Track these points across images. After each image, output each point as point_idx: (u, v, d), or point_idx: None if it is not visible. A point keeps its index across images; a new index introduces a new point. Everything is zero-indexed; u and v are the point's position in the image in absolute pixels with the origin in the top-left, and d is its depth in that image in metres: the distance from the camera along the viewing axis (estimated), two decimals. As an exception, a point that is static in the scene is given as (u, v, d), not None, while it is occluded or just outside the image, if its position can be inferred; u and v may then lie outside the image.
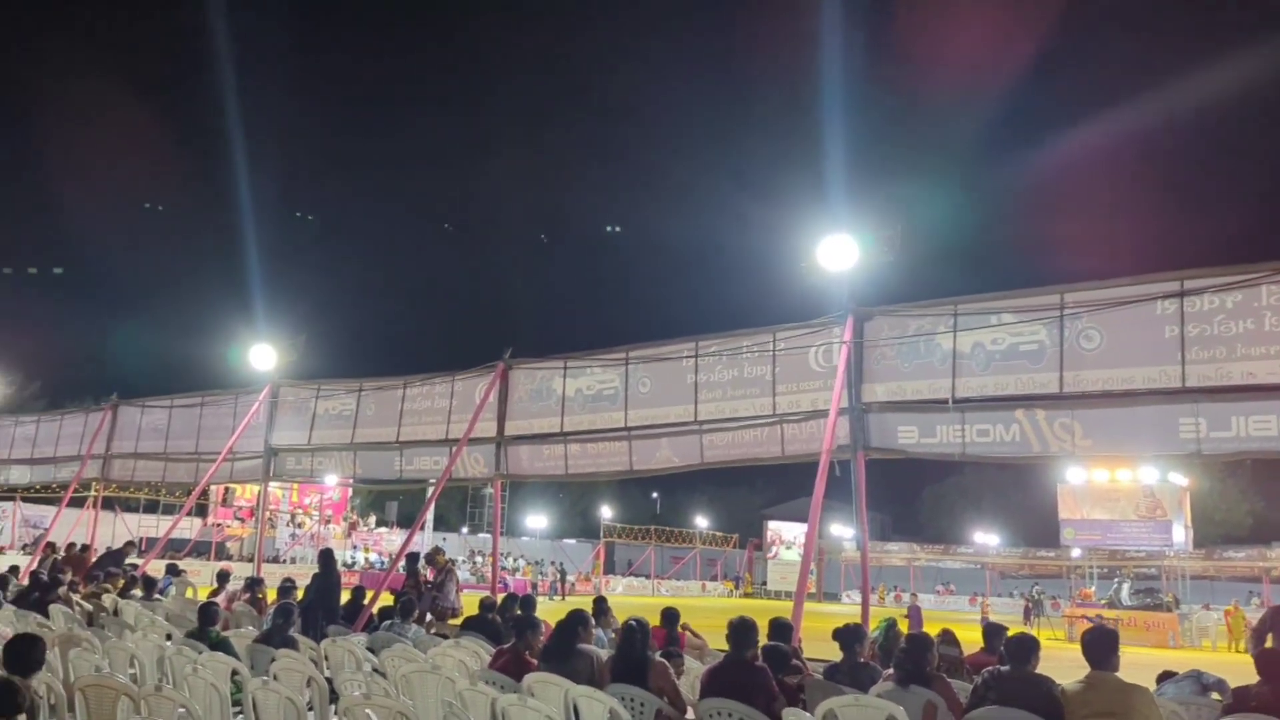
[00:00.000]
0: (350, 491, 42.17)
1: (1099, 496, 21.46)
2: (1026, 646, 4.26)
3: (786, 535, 46.82)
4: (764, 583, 46.65)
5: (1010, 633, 4.58)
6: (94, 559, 12.90)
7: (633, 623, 4.97)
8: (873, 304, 8.40)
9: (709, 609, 26.06)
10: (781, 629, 5.66)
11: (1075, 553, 28.90)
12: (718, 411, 9.44)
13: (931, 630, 5.30)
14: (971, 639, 6.24)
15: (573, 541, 52.70)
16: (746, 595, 45.17)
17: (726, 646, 4.83)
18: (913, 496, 58.08)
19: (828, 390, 8.54)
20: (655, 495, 71.51)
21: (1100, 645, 4.04)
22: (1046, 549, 36.14)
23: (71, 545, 14.14)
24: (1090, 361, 7.22)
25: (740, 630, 4.75)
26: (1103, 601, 21.56)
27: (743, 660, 4.70)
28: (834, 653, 5.24)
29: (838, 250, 8.56)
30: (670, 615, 7.26)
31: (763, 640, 5.00)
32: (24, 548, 26.84)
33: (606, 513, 46.03)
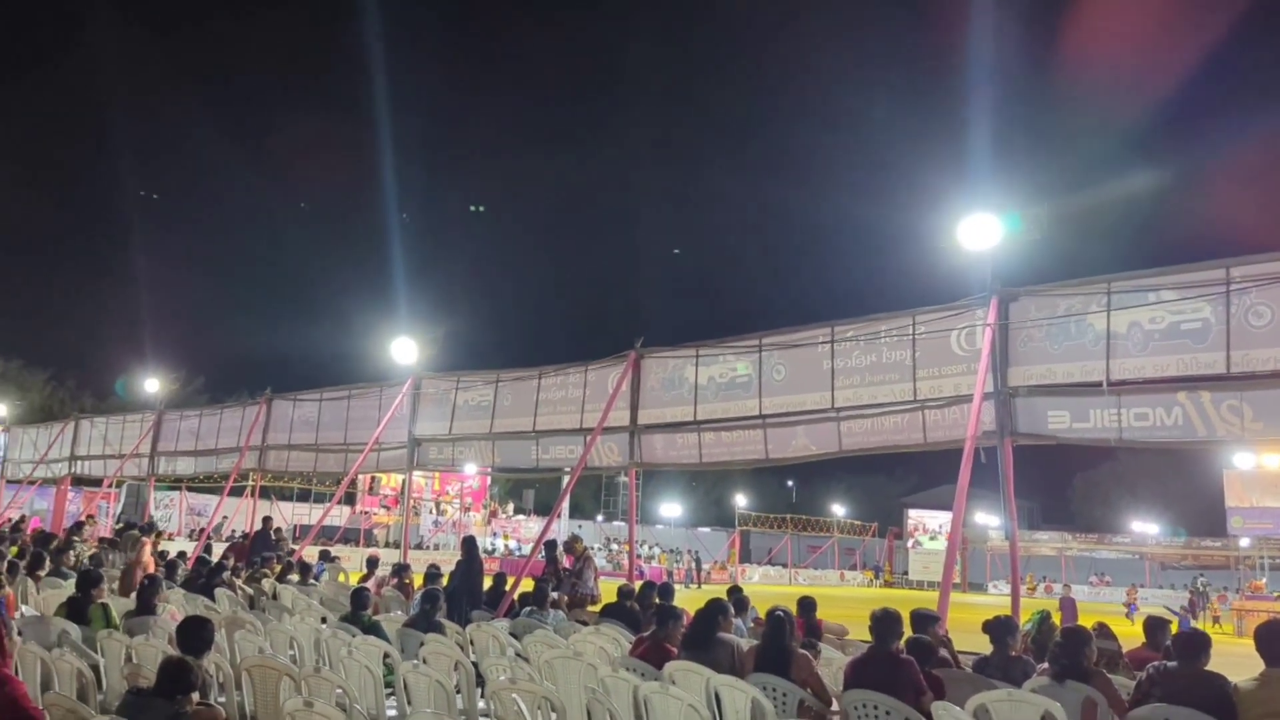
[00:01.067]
0: (489, 480, 43.39)
1: (1270, 483, 20.72)
2: (1197, 642, 4.19)
3: (930, 524, 45.03)
4: (905, 572, 45.31)
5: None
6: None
7: (779, 612, 5.04)
8: (1018, 285, 8.23)
9: (849, 599, 26.01)
10: (925, 620, 5.57)
11: (1244, 542, 28.12)
12: (855, 398, 9.45)
13: (1085, 623, 5.14)
14: (1131, 633, 5.99)
15: (707, 530, 52.99)
16: (887, 585, 44.37)
17: (869, 637, 4.83)
18: (1063, 484, 54.62)
19: (971, 375, 8.38)
20: (790, 483, 70.57)
21: (1277, 640, 3.92)
22: (1211, 539, 34.86)
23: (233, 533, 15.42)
24: (1260, 340, 7.01)
25: (885, 622, 4.75)
26: (1276, 594, 21.06)
27: (888, 652, 4.70)
28: (982, 645, 5.13)
29: (980, 229, 8.41)
30: (807, 604, 7.29)
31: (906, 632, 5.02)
32: (190, 534, 29.07)
33: (741, 501, 45.91)
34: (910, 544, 45.48)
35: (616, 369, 12.17)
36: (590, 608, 10.63)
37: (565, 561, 11.70)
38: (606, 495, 48.99)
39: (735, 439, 10.85)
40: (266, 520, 14.82)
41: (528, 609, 8.33)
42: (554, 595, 8.65)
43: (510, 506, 44.37)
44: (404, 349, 15.39)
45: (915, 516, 46.17)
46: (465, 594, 9.50)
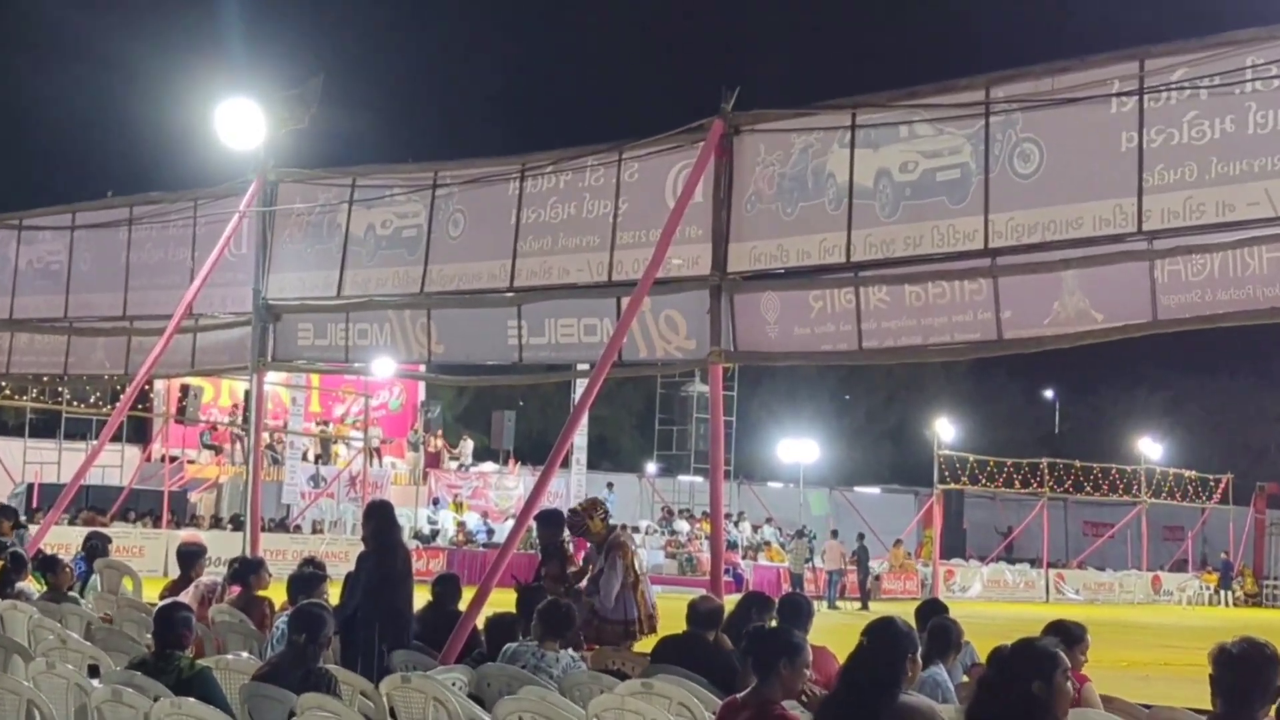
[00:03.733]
0: (423, 392, 45.77)
1: None
2: None
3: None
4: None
5: None
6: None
7: (1021, 652, 5.14)
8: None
9: (1170, 629, 26.41)
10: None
11: None
12: (1193, 212, 10.86)
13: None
14: None
15: (875, 491, 54.72)
16: (1250, 602, 46.53)
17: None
18: None
19: None
20: (1049, 394, 71.20)
21: None
22: None
23: None
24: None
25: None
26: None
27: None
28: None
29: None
30: (1066, 632, 7.40)
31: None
32: None
33: (946, 433, 46.24)
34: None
35: (681, 159, 13.34)
36: (638, 647, 11.24)
37: (575, 552, 12.29)
38: (664, 424, 50.24)
39: (939, 298, 12.06)
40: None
41: (511, 647, 8.67)
42: (547, 607, 8.97)
43: (467, 445, 45.79)
44: (241, 123, 16.16)
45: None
46: (378, 616, 10.00)
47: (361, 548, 10.75)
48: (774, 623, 8.47)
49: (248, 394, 23.32)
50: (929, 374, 62.63)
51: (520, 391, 55.02)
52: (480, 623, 10.09)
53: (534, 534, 20.91)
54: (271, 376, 20.20)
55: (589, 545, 12.30)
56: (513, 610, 9.76)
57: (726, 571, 39.12)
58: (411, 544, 30.76)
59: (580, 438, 41.06)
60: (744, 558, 40.45)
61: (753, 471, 53.74)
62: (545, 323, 14.46)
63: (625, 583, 11.74)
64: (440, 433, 45.08)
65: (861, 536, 38.12)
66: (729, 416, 45.82)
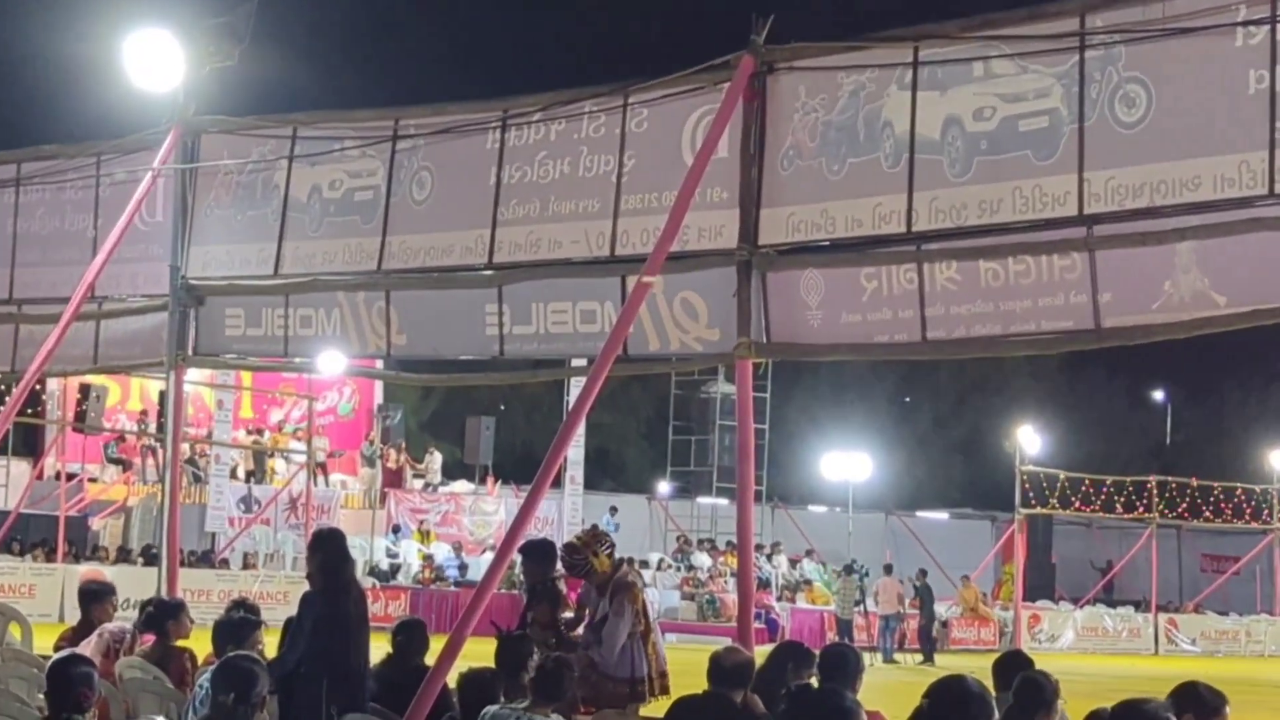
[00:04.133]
0: (380, 394, 45.93)
1: None
2: None
3: None
4: None
5: None
6: None
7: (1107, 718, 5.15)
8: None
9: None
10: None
11: None
12: None
13: None
14: None
15: (942, 516, 55.05)
16: None
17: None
18: None
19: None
20: (1159, 396, 70.92)
21: None
22: None
23: None
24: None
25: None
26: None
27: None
28: None
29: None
30: (1191, 699, 7.37)
31: None
32: None
33: (1030, 444, 46.02)
34: None
35: (701, 104, 13.43)
36: (641, 707, 11.37)
37: (568, 593, 12.52)
38: (680, 432, 50.49)
39: (1022, 277, 12.17)
40: None
41: (487, 710, 8.69)
42: (545, 665, 8.98)
43: (435, 459, 45.92)
44: (155, 59, 16.23)
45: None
46: (325, 672, 10.06)
47: (305, 586, 10.74)
48: (815, 680, 8.46)
49: (163, 396, 23.36)
50: (1009, 371, 62.74)
51: (501, 393, 55.21)
52: (452, 680, 10.06)
53: (518, 570, 20.93)
54: (193, 374, 20.27)
55: (584, 584, 12.31)
56: (491, 665, 9.75)
57: (758, 616, 39.33)
58: (367, 582, 30.86)
59: (576, 450, 41.19)
60: (779, 599, 40.62)
61: (790, 493, 53.82)
62: (533, 308, 14.50)
63: (633, 632, 11.75)
64: (402, 444, 45.13)
65: (924, 573, 38.23)
66: (760, 424, 45.72)
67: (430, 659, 10.91)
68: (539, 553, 12.69)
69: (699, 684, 8.97)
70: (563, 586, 12.89)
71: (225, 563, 36.10)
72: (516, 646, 9.99)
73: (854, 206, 12.43)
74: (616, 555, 12.39)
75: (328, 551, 10.66)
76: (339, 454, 43.66)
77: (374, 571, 36.12)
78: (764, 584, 39.75)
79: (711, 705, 8.63)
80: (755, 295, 12.95)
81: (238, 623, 10.10)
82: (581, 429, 41.03)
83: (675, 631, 37.10)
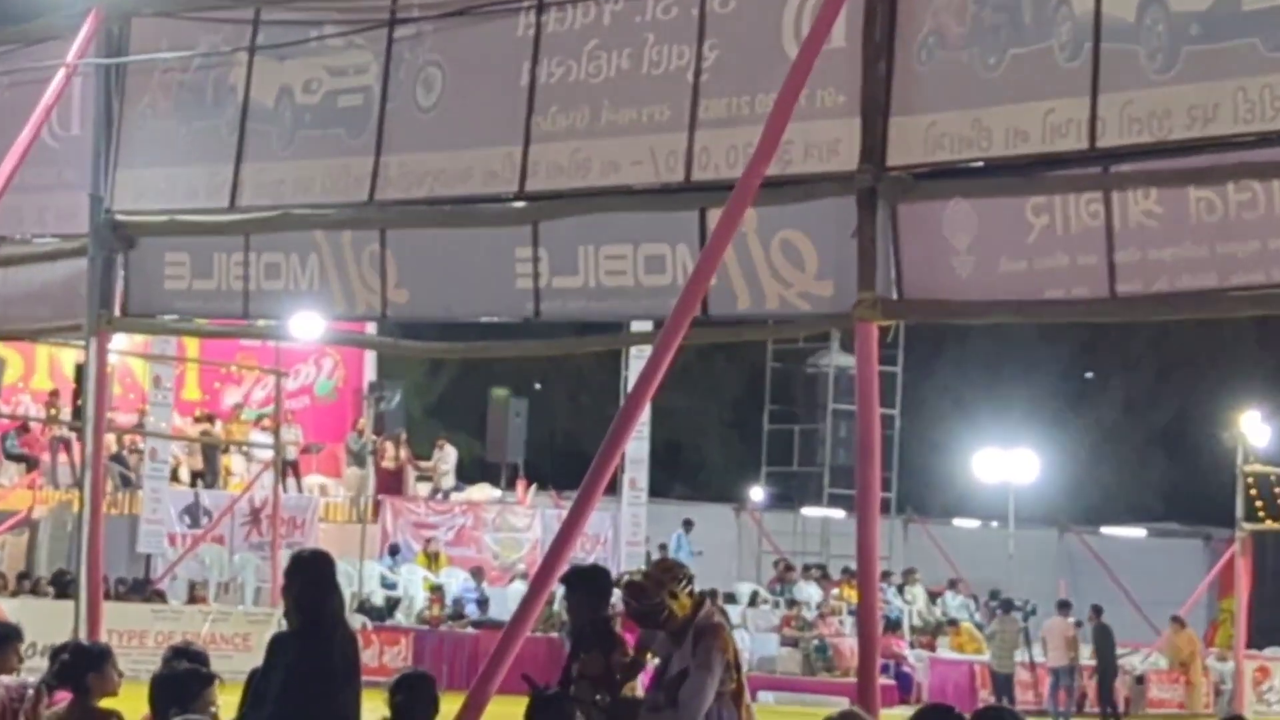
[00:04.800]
0: (373, 369, 46.43)
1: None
2: None
3: None
4: None
5: None
6: None
7: None
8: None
9: None
10: None
11: None
12: None
13: None
14: None
15: (1137, 533, 54.68)
16: None
17: None
18: None
19: None
20: None
21: None
22: None
23: None
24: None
25: None
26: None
27: None
28: None
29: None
30: None
31: None
32: None
33: (1257, 436, 45.53)
34: None
35: None
36: None
37: (626, 634, 12.64)
38: (779, 420, 50.63)
39: (1247, 209, 11.91)
40: None
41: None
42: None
43: (447, 455, 46.01)
44: None
45: None
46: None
47: (275, 627, 10.82)
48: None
49: (80, 371, 23.48)
50: (1228, 338, 62.19)
51: (537, 368, 55.12)
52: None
53: (558, 605, 21.06)
54: (120, 342, 20.33)
55: (648, 621, 12.34)
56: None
57: (885, 668, 39.29)
58: (356, 621, 30.88)
59: (638, 445, 41.22)
60: (913, 645, 40.54)
61: (930, 502, 53.83)
62: (579, 253, 14.53)
63: (722, 691, 11.76)
64: (402, 435, 45.20)
65: (1098, 610, 38.02)
66: (889, 409, 45.41)
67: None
68: (588, 583, 12.65)
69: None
70: (618, 626, 12.95)
71: (164, 595, 36.23)
72: (555, 708, 10.04)
73: (1017, 114, 12.35)
74: (692, 587, 12.38)
75: (306, 581, 10.73)
76: (316, 448, 43.79)
77: (365, 608, 36.29)
78: (894, 625, 39.83)
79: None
80: (882, 235, 12.85)
81: (182, 677, 10.09)
82: (646, 417, 40.98)
83: (773, 689, 37.23)
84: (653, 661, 12.43)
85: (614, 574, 12.60)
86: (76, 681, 11.58)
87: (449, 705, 11.22)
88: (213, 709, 9.98)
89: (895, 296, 13.04)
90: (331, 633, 10.58)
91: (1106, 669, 36.90)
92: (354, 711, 10.52)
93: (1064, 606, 37.75)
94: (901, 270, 13.00)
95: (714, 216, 12.90)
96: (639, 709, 11.77)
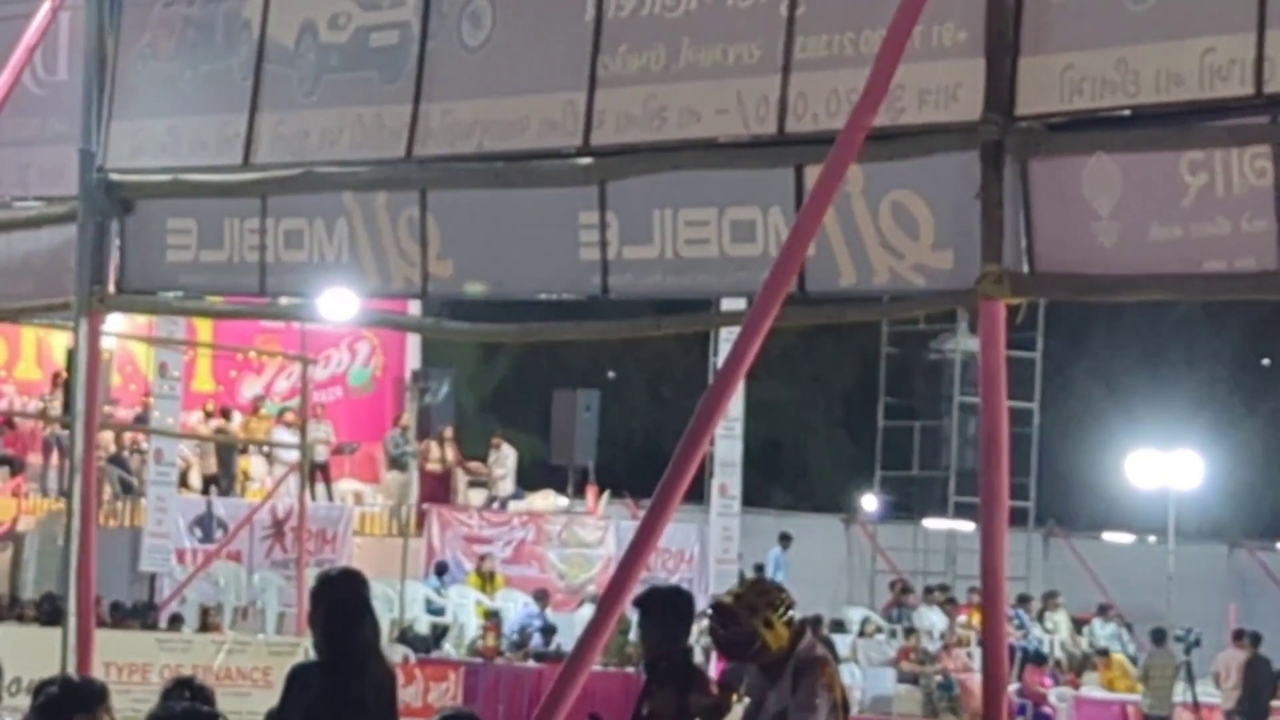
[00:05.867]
0: (416, 355, 47.11)
1: None
2: None
3: None
4: None
5: None
6: None
7: None
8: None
9: None
10: None
11: None
12: None
13: None
14: None
15: None
16: None
17: None
18: None
19: None
20: None
21: None
22: None
23: None
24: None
25: None
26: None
27: None
28: None
29: None
30: None
31: None
32: None
33: None
34: None
35: None
36: None
37: (714, 670, 12.38)
38: (894, 415, 50.79)
39: None
40: None
41: None
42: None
43: (504, 457, 46.00)
44: None
45: None
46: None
47: (301, 657, 10.86)
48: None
49: (72, 358, 23.58)
50: None
51: (609, 354, 55.24)
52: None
53: (633, 634, 21.14)
54: (119, 324, 20.40)
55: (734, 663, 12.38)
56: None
57: (1021, 711, 39.35)
58: (396, 654, 30.94)
59: (728, 445, 41.35)
60: (1056, 682, 40.48)
61: (1075, 514, 53.70)
62: (653, 218, 14.47)
63: None
64: (451, 433, 45.38)
65: (1257, 639, 37.83)
66: (1026, 401, 45.39)
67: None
68: (666, 608, 12.68)
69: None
70: (700, 659, 12.98)
71: (174, 621, 36.44)
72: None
73: (1169, 53, 12.19)
74: (792, 612, 12.35)
75: (333, 605, 10.79)
76: (350, 449, 44.00)
77: (407, 637, 36.43)
78: (1034, 658, 39.77)
79: None
80: (1011, 197, 12.68)
81: (185, 716, 10.13)
82: (739, 412, 41.14)
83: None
84: (740, 704, 12.46)
85: (700, 598, 12.49)
86: (65, 722, 11.67)
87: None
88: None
89: (1026, 270, 12.89)
90: (363, 666, 10.62)
91: (1257, 709, 36.77)
92: None
93: (1240, 638, 37.52)
94: (1034, 239, 12.83)
95: (812, 175, 12.86)
96: None
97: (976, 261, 12.75)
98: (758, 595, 12.12)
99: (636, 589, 12.93)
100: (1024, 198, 12.79)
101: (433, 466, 43.26)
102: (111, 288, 16.85)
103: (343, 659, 10.56)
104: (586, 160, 14.67)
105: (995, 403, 12.90)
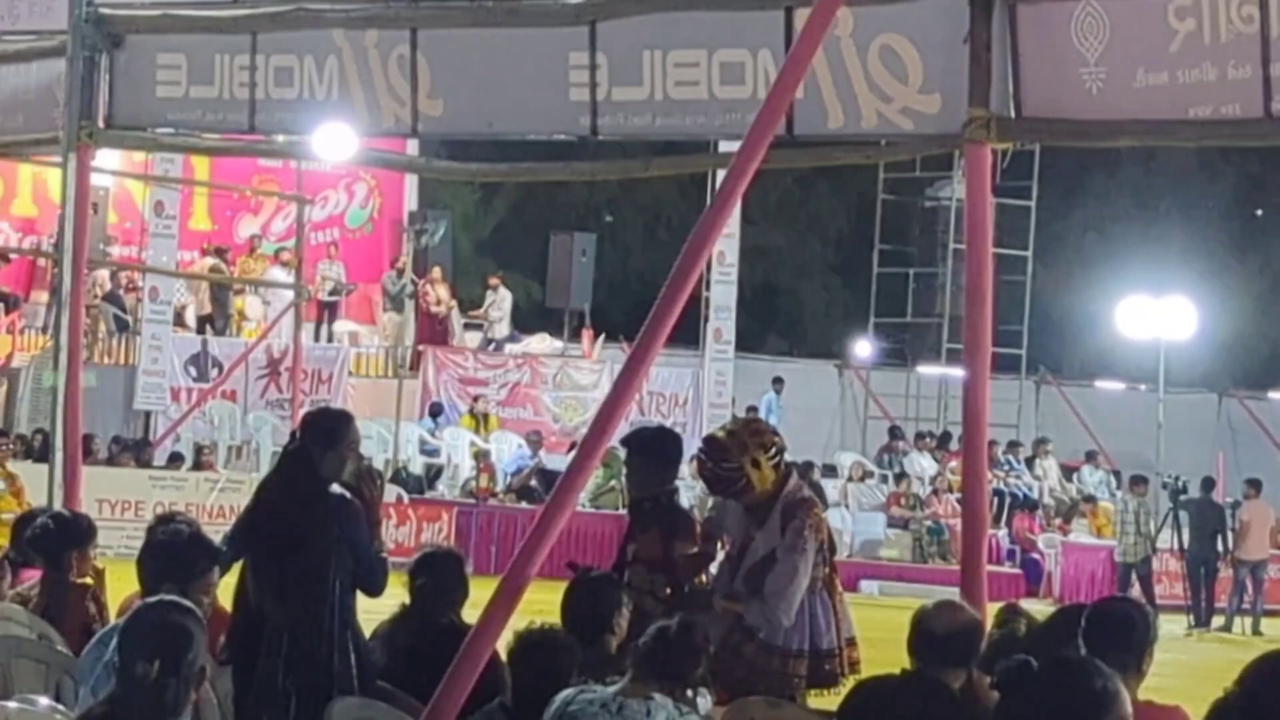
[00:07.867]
0: (413, 196, 47.25)
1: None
2: None
3: None
4: None
5: None
6: None
7: None
8: None
9: None
10: None
11: None
12: None
13: None
14: None
15: None
16: None
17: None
18: None
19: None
20: None
21: None
22: None
23: None
24: None
25: None
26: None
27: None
28: None
29: None
30: None
31: None
32: None
33: None
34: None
35: None
36: (827, 690, 11.57)
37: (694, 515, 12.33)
38: (888, 262, 50.73)
39: None
40: None
41: (566, 695, 8.81)
42: (665, 633, 9.02)
43: (500, 299, 45.95)
44: None
45: None
46: (301, 629, 10.19)
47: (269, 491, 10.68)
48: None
49: (66, 188, 23.53)
50: None
51: (604, 197, 55.00)
52: (503, 648, 10.12)
53: (616, 472, 21.09)
54: (111, 160, 20.31)
55: (718, 502, 12.32)
56: (558, 622, 9.83)
57: (1010, 556, 39.43)
58: (390, 493, 30.95)
59: (724, 289, 41.29)
60: (1045, 528, 40.60)
61: (1067, 361, 53.71)
62: (643, 59, 14.39)
63: (814, 580, 11.84)
64: (439, 274, 45.16)
65: (1257, 486, 37.73)
66: (1019, 249, 45.27)
67: (472, 615, 10.86)
68: (653, 448, 12.68)
69: (898, 657, 8.99)
70: (687, 503, 12.94)
71: (174, 459, 36.63)
72: (599, 592, 10.02)
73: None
74: (782, 457, 12.28)
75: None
76: (347, 289, 43.79)
77: (401, 477, 36.43)
78: (1023, 503, 39.89)
79: (914, 692, 8.61)
80: (999, 41, 12.61)
81: (186, 546, 9.94)
82: (734, 257, 41.02)
83: (876, 578, 37.36)
84: (722, 550, 12.41)
85: (693, 442, 12.32)
86: (51, 555, 11.61)
87: (482, 591, 11.07)
88: (208, 590, 9.85)
89: (1013, 114, 12.84)
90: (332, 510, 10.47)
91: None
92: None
93: (1257, 487, 37.15)
94: (1020, 84, 12.76)
95: (801, 17, 12.62)
96: (710, 600, 11.72)
97: (964, 106, 12.70)
98: (750, 434, 12.14)
99: (625, 430, 12.91)
100: (1011, 42, 12.72)
101: (430, 308, 43.05)
102: (101, 123, 16.75)
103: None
104: (577, 0, 14.56)
105: (980, 246, 12.90)
